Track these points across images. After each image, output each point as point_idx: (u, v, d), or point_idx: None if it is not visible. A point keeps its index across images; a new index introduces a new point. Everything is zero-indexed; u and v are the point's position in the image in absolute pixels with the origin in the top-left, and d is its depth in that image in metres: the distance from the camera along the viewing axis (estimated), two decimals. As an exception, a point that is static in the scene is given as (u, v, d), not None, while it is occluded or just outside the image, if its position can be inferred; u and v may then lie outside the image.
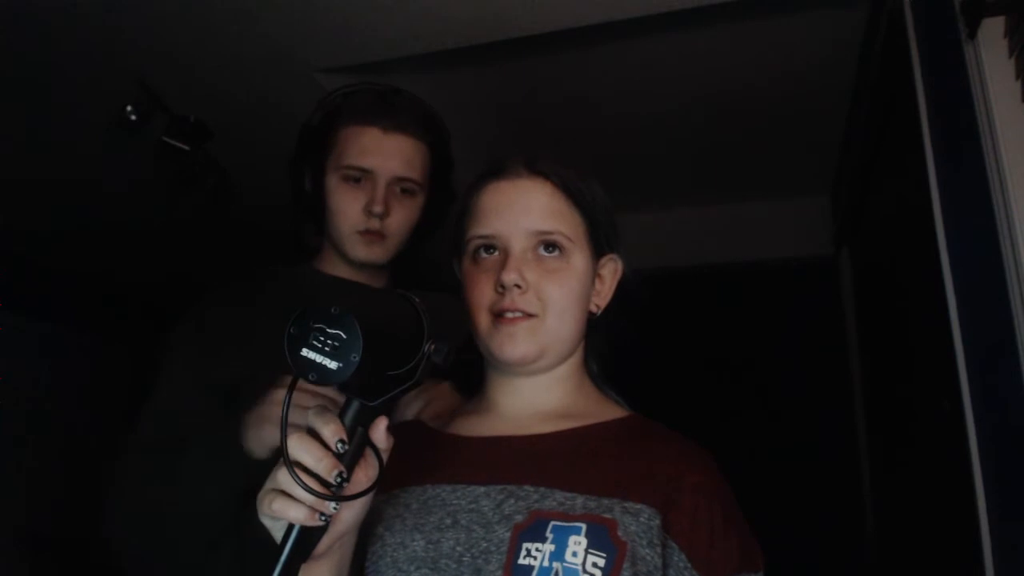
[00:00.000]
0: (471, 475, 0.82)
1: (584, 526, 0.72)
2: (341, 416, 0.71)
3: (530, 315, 0.84)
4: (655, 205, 3.21)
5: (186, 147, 2.18)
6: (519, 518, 0.75)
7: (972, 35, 1.21)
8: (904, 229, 1.80)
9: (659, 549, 0.74)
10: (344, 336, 0.64)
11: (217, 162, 2.31)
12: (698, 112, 2.53)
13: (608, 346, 0.95)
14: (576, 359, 0.92)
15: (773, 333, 2.97)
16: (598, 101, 2.49)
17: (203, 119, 2.21)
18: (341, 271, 1.21)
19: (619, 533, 0.72)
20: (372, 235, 1.14)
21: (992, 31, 1.20)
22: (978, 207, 1.16)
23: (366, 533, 0.83)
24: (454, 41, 1.95)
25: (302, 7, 1.84)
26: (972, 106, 1.21)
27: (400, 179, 1.14)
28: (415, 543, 0.79)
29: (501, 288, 0.84)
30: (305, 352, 0.65)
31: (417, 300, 0.75)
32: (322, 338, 0.65)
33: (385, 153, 1.13)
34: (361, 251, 1.15)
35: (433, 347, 0.73)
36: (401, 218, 1.16)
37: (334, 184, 1.14)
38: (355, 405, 0.71)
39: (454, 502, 0.80)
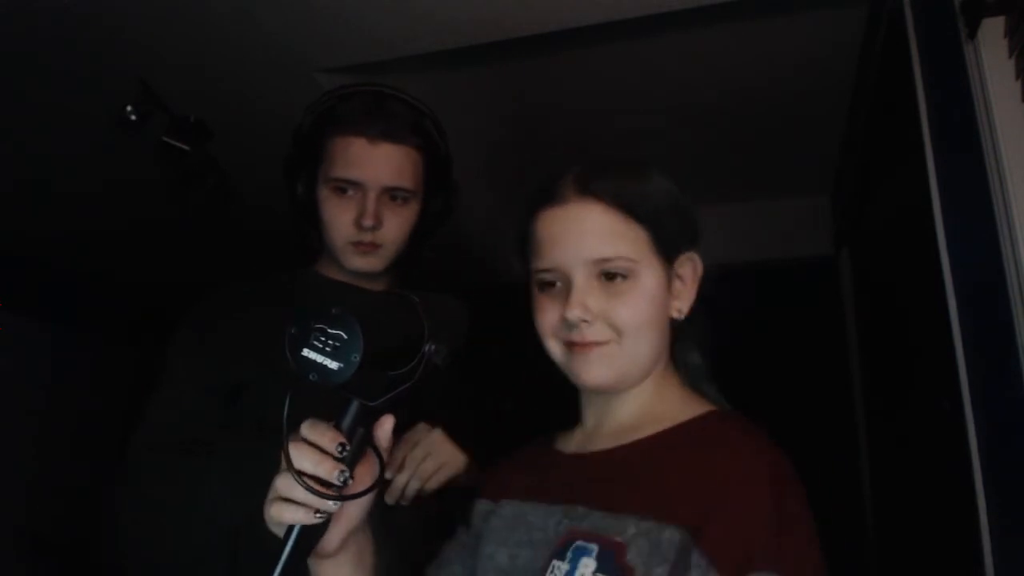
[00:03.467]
0: (548, 493, 0.83)
1: (596, 548, 0.72)
2: (341, 416, 0.72)
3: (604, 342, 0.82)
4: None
5: (186, 147, 2.18)
6: (561, 538, 0.77)
7: (972, 35, 1.21)
8: (904, 229, 1.80)
9: (680, 569, 0.69)
10: (345, 336, 0.64)
11: (217, 162, 2.32)
12: (698, 112, 2.54)
13: (707, 337, 0.92)
14: (659, 368, 0.88)
15: (773, 333, 2.97)
16: (597, 102, 2.49)
17: (203, 119, 2.21)
18: (341, 275, 1.20)
19: (627, 558, 0.70)
20: (366, 246, 1.13)
21: (992, 31, 1.20)
22: (978, 207, 1.16)
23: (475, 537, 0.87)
24: (454, 41, 1.96)
25: (302, 7, 1.84)
26: (972, 106, 1.21)
27: (391, 188, 1.13)
28: (500, 556, 0.82)
29: (568, 324, 0.82)
30: (306, 352, 0.65)
31: (417, 300, 0.75)
32: (323, 338, 0.65)
33: (374, 164, 1.11)
34: (356, 262, 1.14)
35: (433, 347, 0.73)
36: (395, 227, 1.14)
37: (324, 195, 1.13)
38: (355, 405, 0.72)
39: (531, 520, 0.82)
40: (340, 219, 1.12)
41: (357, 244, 1.13)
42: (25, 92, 2.20)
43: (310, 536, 0.70)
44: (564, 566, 0.72)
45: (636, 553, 0.70)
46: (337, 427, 0.71)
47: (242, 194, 2.51)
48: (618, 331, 0.81)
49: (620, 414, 0.86)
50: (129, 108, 2.08)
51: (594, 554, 0.71)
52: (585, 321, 0.81)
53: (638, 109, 2.53)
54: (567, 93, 2.44)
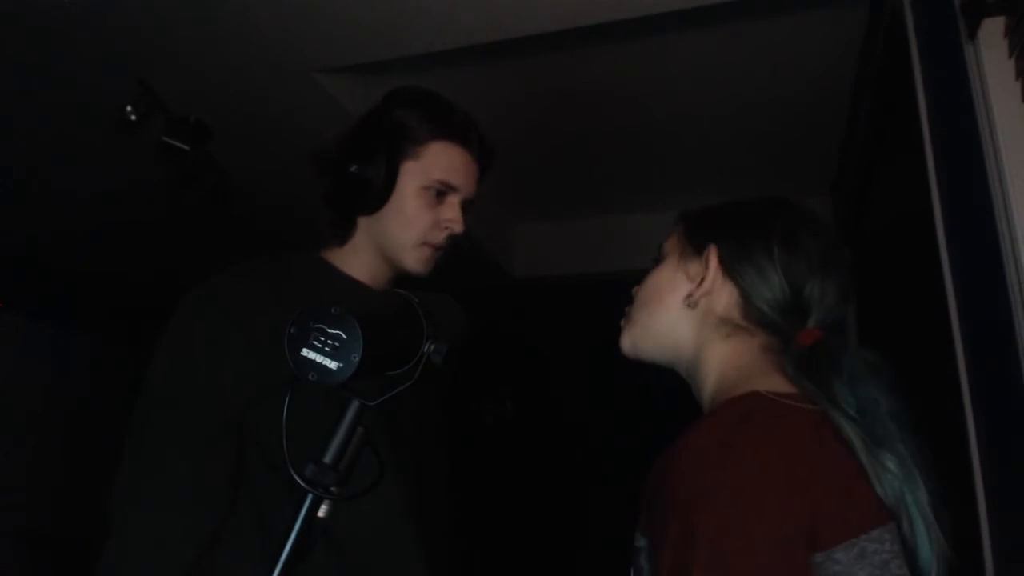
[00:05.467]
0: None
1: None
2: (340, 416, 0.72)
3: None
4: (655, 205, 3.20)
5: (186, 147, 2.18)
6: None
7: (972, 35, 1.21)
8: (905, 229, 1.80)
9: None
10: (344, 336, 0.64)
11: (217, 162, 2.32)
12: (698, 112, 2.54)
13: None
14: (701, 341, 0.92)
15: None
16: (597, 102, 2.49)
17: (203, 119, 2.22)
18: (355, 269, 1.18)
19: (640, 560, 0.78)
20: (434, 251, 1.17)
21: (992, 31, 1.20)
22: (978, 207, 1.16)
23: None
24: (454, 41, 1.96)
25: (302, 7, 1.84)
26: (972, 106, 1.21)
27: (469, 202, 1.20)
28: None
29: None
30: (305, 352, 0.65)
31: (416, 300, 0.75)
32: (322, 338, 0.65)
33: (470, 176, 1.18)
34: (420, 265, 1.16)
35: (432, 347, 0.73)
36: (457, 236, 1.20)
37: (412, 191, 1.13)
38: (355, 405, 0.72)
39: None
40: (424, 218, 1.14)
41: (428, 245, 1.16)
42: (25, 92, 2.20)
43: (307, 538, 0.70)
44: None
45: (642, 557, 0.77)
46: (336, 427, 0.71)
47: (241, 194, 2.51)
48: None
49: (702, 406, 0.91)
50: (129, 108, 2.09)
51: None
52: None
53: (638, 109, 2.53)
54: (566, 93, 2.44)
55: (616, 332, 0.98)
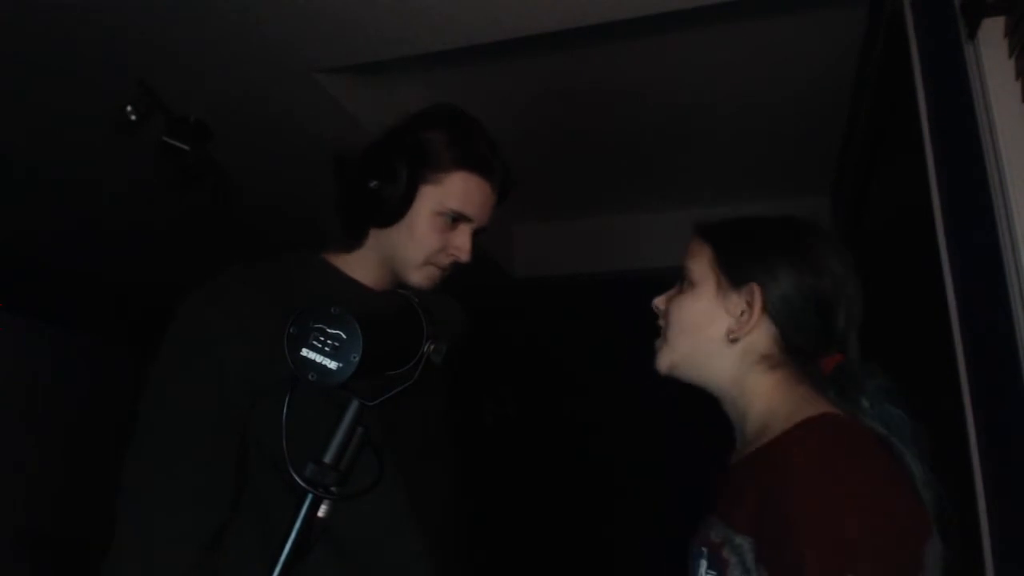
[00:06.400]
0: (714, 505, 0.93)
1: (706, 550, 0.85)
2: (341, 416, 0.72)
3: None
4: (655, 205, 3.21)
5: (186, 147, 2.18)
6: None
7: (972, 35, 1.22)
8: (904, 229, 1.80)
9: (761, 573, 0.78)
10: (344, 336, 0.64)
11: (217, 162, 2.32)
12: (698, 112, 2.54)
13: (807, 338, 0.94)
14: (766, 379, 0.94)
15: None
16: (597, 102, 2.49)
17: (203, 119, 2.22)
18: (358, 273, 1.18)
19: (723, 553, 0.82)
20: (439, 271, 1.18)
21: (992, 31, 1.20)
22: (978, 207, 1.16)
23: None
24: (454, 41, 1.96)
25: (302, 7, 1.84)
26: (972, 106, 1.21)
27: (482, 229, 1.21)
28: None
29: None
30: (305, 352, 0.65)
31: (416, 300, 0.75)
32: (322, 338, 0.65)
33: (486, 209, 1.19)
34: (424, 281, 1.17)
35: (432, 347, 0.73)
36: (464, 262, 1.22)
37: (426, 213, 1.14)
38: (355, 405, 0.72)
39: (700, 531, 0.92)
40: (434, 241, 1.16)
41: (434, 266, 1.17)
42: (25, 92, 2.20)
43: (307, 538, 0.70)
44: (698, 568, 0.86)
45: (728, 551, 0.82)
46: (336, 427, 0.71)
47: (242, 194, 2.51)
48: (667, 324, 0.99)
49: (744, 426, 0.94)
50: (129, 108, 2.09)
51: (705, 554, 0.85)
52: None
53: (637, 109, 2.53)
54: (566, 93, 2.44)
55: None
